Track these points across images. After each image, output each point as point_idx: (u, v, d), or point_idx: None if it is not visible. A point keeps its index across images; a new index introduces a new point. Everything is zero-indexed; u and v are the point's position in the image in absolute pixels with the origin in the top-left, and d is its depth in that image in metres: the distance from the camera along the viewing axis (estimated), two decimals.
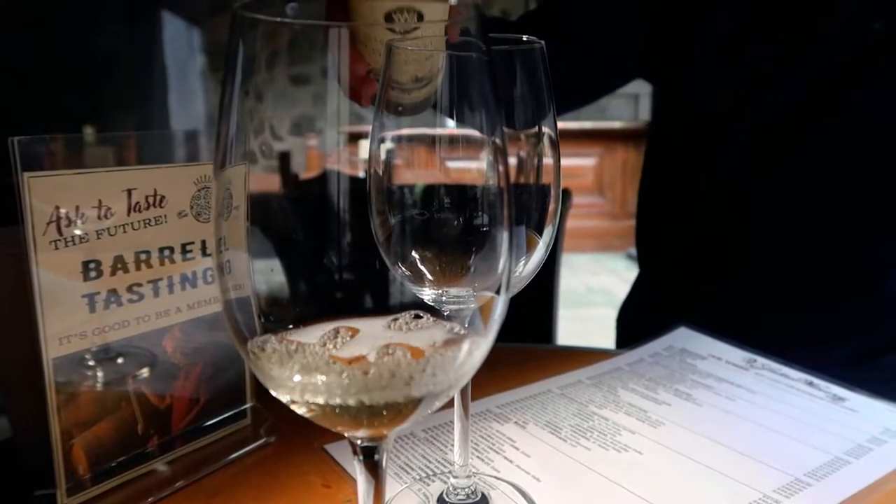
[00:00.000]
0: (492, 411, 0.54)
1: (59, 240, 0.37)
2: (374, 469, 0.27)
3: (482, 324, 0.24)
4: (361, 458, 0.26)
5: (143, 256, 0.41)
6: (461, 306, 0.28)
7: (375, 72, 0.53)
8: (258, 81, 0.23)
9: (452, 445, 0.48)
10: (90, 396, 0.40)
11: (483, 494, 0.41)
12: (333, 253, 0.25)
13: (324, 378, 0.21)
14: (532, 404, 0.55)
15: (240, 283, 0.24)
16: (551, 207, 0.38)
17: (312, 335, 0.24)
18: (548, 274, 1.21)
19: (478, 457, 0.47)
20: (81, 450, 0.40)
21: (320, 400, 0.21)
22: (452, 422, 0.49)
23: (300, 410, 0.23)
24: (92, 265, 0.39)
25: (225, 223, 0.23)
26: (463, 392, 0.40)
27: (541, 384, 0.59)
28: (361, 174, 0.36)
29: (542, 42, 0.37)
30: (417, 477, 0.44)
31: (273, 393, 0.23)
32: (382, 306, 0.26)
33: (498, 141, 0.25)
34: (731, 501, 0.41)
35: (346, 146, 0.30)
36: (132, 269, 0.41)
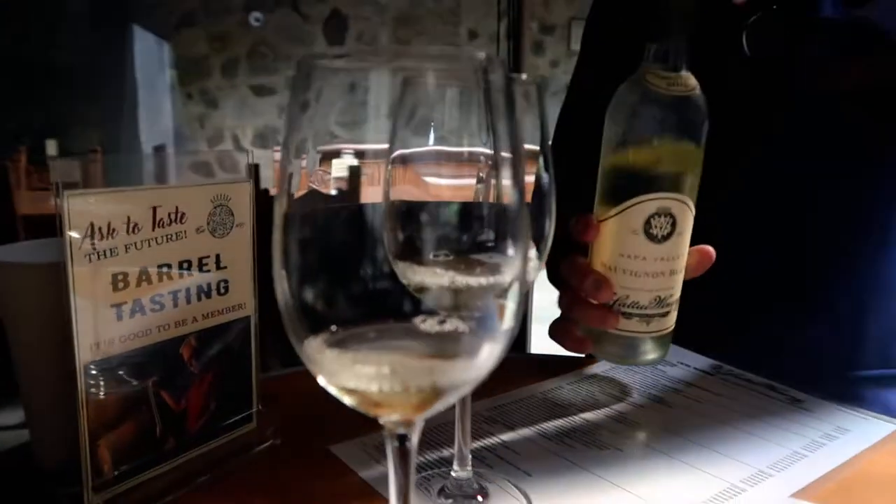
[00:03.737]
0: (481, 414, 0.57)
1: (93, 253, 0.40)
2: (406, 455, 0.30)
3: (498, 323, 0.28)
4: (396, 444, 0.29)
5: (164, 269, 0.44)
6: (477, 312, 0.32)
7: (621, 302, 0.58)
8: None
9: (448, 445, 0.51)
10: (115, 400, 0.43)
11: (481, 486, 0.45)
12: (368, 264, 0.29)
13: (380, 366, 0.25)
14: (518, 408, 0.59)
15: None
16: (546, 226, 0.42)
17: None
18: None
19: (472, 455, 0.50)
20: (106, 450, 0.43)
21: (368, 386, 0.25)
22: (445, 424, 0.53)
23: (344, 397, 0.26)
24: (120, 277, 0.42)
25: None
26: None
27: (524, 390, 0.63)
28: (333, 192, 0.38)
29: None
30: (418, 474, 0.48)
31: (323, 383, 0.27)
32: (415, 310, 0.29)
33: (511, 155, 0.29)
34: (702, 490, 0.46)
35: (321, 165, 0.32)
36: (154, 281, 0.44)
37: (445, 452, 0.51)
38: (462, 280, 0.32)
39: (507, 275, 0.29)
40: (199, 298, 0.47)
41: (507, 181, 0.29)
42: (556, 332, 0.63)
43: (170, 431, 0.47)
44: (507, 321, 0.28)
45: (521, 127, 0.45)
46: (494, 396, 0.61)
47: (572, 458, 0.50)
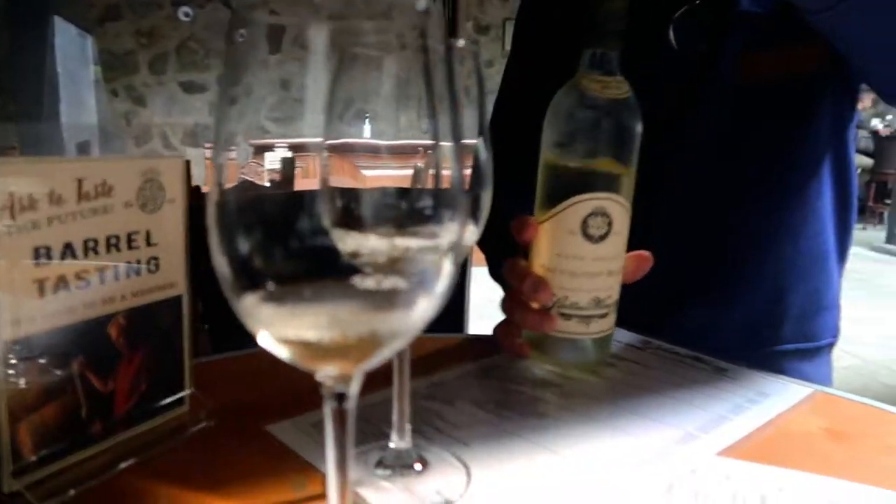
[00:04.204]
0: (419, 392, 0.58)
1: (13, 225, 0.38)
2: (344, 417, 0.30)
3: (435, 280, 0.29)
4: (335, 404, 0.29)
5: (90, 244, 0.43)
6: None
7: (560, 303, 0.57)
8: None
9: (386, 421, 0.51)
10: (37, 380, 0.41)
11: (420, 457, 0.45)
12: (307, 223, 0.28)
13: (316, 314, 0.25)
14: (456, 384, 0.60)
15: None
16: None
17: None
18: (458, 286, 1.26)
19: (411, 430, 0.51)
20: (27, 433, 0.41)
21: (308, 336, 0.25)
22: (383, 402, 0.53)
23: (283, 350, 0.26)
24: (42, 251, 0.40)
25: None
26: (401, 357, 0.44)
27: (462, 367, 0.64)
28: (267, 182, 0.37)
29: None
30: (356, 448, 0.48)
31: (261, 337, 0.26)
32: (353, 270, 0.29)
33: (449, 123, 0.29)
34: (634, 452, 0.47)
35: (253, 157, 0.32)
36: (80, 256, 0.42)
37: (384, 428, 0.51)
38: (401, 244, 0.32)
39: (445, 239, 0.29)
40: (129, 276, 0.46)
41: (445, 148, 0.30)
42: (499, 334, 0.64)
43: (96, 414, 0.45)
44: (444, 280, 0.28)
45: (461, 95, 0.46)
46: (433, 375, 0.62)
47: (509, 428, 0.51)
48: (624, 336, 0.72)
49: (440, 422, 0.52)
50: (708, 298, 0.81)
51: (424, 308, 0.27)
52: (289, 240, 0.29)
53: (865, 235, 5.85)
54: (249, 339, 0.31)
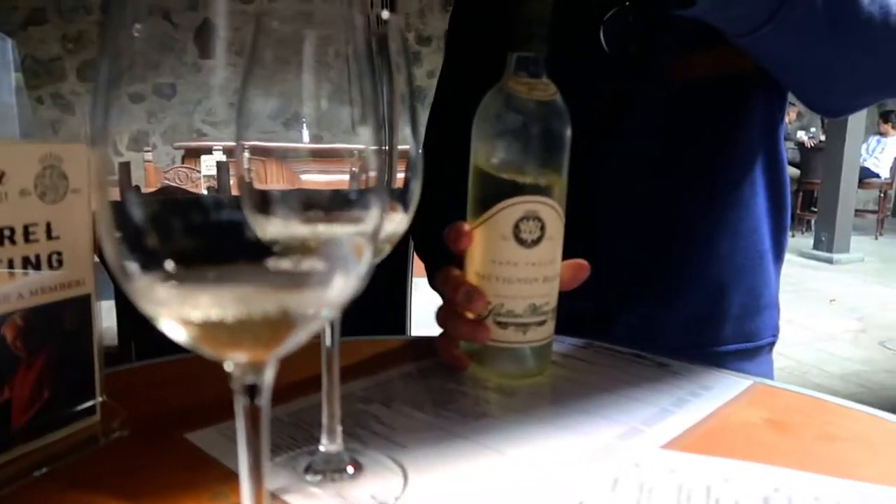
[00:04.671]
0: (355, 394, 0.55)
1: None
2: (257, 415, 0.27)
3: (353, 261, 0.26)
4: (247, 400, 0.26)
5: None
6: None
7: (496, 311, 0.55)
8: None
9: (317, 425, 0.48)
10: None
11: (353, 460, 0.42)
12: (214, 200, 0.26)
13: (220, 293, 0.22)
14: (394, 386, 0.57)
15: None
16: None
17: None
18: (400, 290, 1.24)
19: (345, 433, 0.48)
20: None
21: (212, 314, 0.22)
22: (314, 406, 0.50)
23: (185, 334, 0.23)
24: None
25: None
26: (330, 354, 0.41)
27: (401, 368, 0.61)
28: (203, 194, 0.35)
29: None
30: (283, 454, 0.45)
31: (159, 323, 0.23)
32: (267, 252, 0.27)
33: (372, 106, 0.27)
34: (578, 448, 0.46)
35: (183, 162, 0.30)
36: None
37: (315, 433, 0.48)
38: (322, 230, 0.30)
39: (368, 225, 0.27)
40: (27, 272, 0.42)
41: (367, 131, 0.28)
42: (438, 346, 0.62)
43: None
44: (363, 263, 0.26)
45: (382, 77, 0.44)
46: (369, 377, 0.59)
47: (450, 429, 0.49)
48: (565, 337, 0.70)
49: (376, 424, 0.49)
50: (649, 299, 0.81)
51: (340, 288, 0.25)
52: (192, 218, 0.26)
53: (794, 242, 6.09)
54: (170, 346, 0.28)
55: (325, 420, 0.42)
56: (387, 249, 0.40)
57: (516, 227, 0.55)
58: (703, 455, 0.45)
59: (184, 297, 0.23)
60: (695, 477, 0.42)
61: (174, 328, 0.24)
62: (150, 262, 0.24)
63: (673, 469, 0.43)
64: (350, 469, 0.42)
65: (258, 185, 0.32)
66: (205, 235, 0.26)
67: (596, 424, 0.49)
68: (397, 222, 0.41)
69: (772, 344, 0.88)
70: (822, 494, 0.40)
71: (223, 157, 0.37)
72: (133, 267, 0.24)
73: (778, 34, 0.61)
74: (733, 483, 0.41)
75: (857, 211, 6.13)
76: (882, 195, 7.33)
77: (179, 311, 0.23)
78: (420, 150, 0.45)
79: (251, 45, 0.28)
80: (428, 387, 0.57)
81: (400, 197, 0.42)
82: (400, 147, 0.44)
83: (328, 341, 0.41)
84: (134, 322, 1.03)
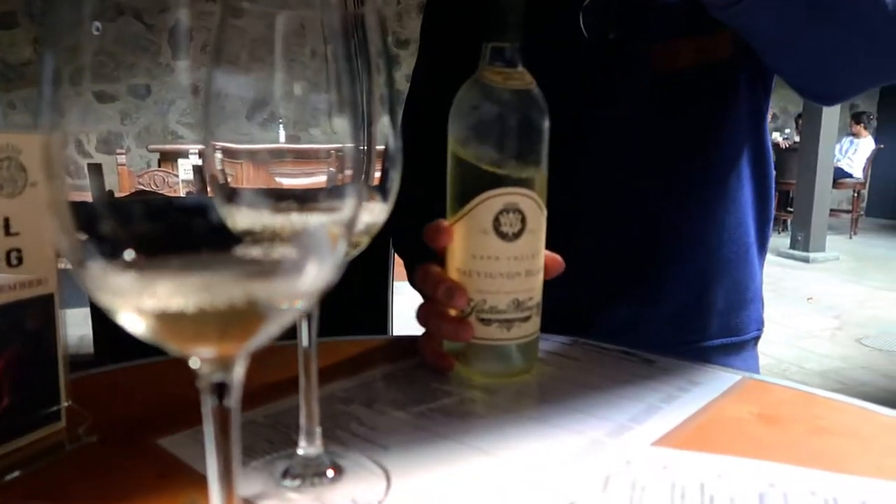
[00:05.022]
0: (336, 395, 0.53)
1: None
2: (226, 416, 0.25)
3: (328, 249, 0.25)
4: (215, 401, 0.25)
5: None
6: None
7: (478, 307, 0.53)
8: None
9: (295, 428, 0.46)
10: None
11: (334, 465, 0.40)
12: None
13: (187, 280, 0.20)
14: (376, 386, 0.55)
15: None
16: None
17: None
18: (382, 289, 1.22)
19: (325, 435, 0.46)
20: None
21: (173, 304, 0.20)
22: (291, 408, 0.48)
23: (144, 326, 0.21)
24: None
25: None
26: (307, 353, 0.39)
27: (383, 368, 0.59)
28: (183, 194, 0.34)
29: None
30: (259, 458, 0.42)
31: (118, 316, 0.22)
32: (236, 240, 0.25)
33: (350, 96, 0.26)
34: (566, 447, 0.44)
35: (159, 165, 0.29)
36: None
37: (294, 436, 0.46)
38: (295, 218, 0.29)
39: (343, 214, 0.25)
40: None
41: (343, 122, 0.27)
42: (421, 346, 0.60)
43: None
44: (338, 251, 0.25)
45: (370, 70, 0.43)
46: (351, 376, 0.57)
47: (434, 429, 0.47)
48: (551, 335, 0.69)
49: (357, 426, 0.48)
50: (634, 294, 0.80)
51: (313, 277, 0.23)
52: (152, 203, 0.24)
53: (771, 242, 6.15)
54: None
55: (303, 422, 0.40)
56: (365, 241, 0.39)
57: (496, 220, 0.53)
58: (694, 451, 0.43)
59: (142, 286, 0.21)
60: (688, 474, 0.40)
61: (133, 320, 0.22)
62: (107, 250, 0.22)
63: (665, 466, 0.41)
64: (330, 473, 0.40)
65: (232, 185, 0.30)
66: (166, 222, 0.24)
67: (584, 422, 0.48)
68: (377, 213, 0.39)
69: (757, 338, 0.87)
70: (818, 489, 0.39)
71: (200, 161, 0.36)
72: (88, 256, 0.22)
73: (756, 6, 0.60)
74: (727, 479, 0.40)
75: (831, 210, 6.23)
76: (856, 195, 7.45)
77: (138, 302, 0.21)
78: (399, 141, 0.43)
79: (217, 28, 0.27)
80: (411, 387, 0.55)
81: (379, 187, 0.40)
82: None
83: (305, 340, 0.39)
84: (110, 331, 1.00)
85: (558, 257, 0.59)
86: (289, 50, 0.28)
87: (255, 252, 0.24)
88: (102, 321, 1.10)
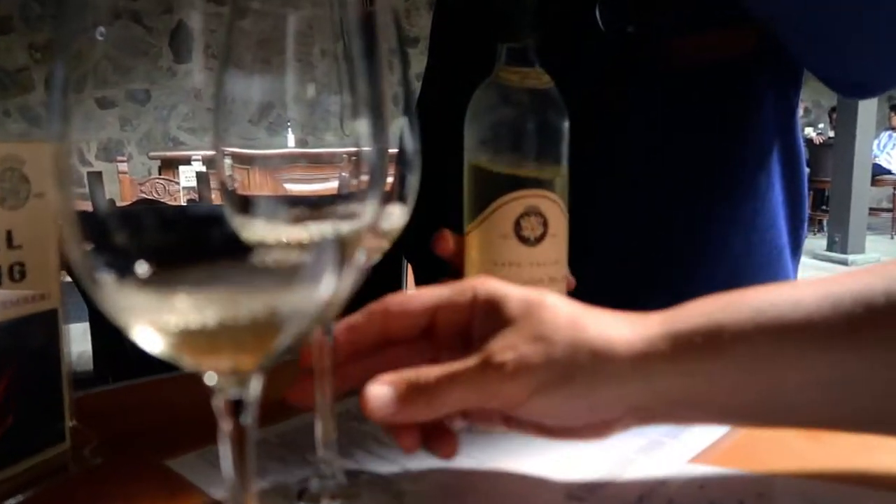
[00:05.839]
0: (350, 412, 0.53)
1: None
2: (242, 435, 0.26)
3: (347, 258, 0.25)
4: (229, 418, 0.25)
5: None
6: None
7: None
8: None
9: (310, 447, 0.46)
10: None
11: (351, 485, 0.41)
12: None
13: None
14: None
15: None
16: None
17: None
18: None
19: (341, 454, 0.46)
20: None
21: (192, 319, 0.20)
22: (305, 426, 0.48)
23: (163, 343, 0.22)
24: None
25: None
26: (322, 368, 0.39)
27: None
28: (184, 202, 0.35)
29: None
30: (272, 477, 0.43)
31: (134, 333, 0.22)
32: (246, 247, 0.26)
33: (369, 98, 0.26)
34: (597, 464, 0.44)
35: (160, 173, 0.29)
36: None
37: (308, 456, 0.46)
38: (316, 227, 0.29)
39: (364, 219, 0.26)
40: None
41: (360, 124, 0.27)
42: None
43: None
44: (359, 256, 0.25)
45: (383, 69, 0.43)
46: None
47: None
48: None
49: (373, 444, 0.48)
50: (657, 302, 0.79)
51: (333, 285, 0.23)
52: (166, 215, 0.25)
53: (806, 244, 6.11)
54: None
55: (319, 440, 0.40)
56: (384, 247, 0.39)
57: (517, 224, 0.53)
58: (733, 469, 0.43)
59: (160, 302, 0.21)
60: (727, 493, 0.40)
61: (150, 337, 0.22)
62: (121, 265, 0.23)
63: (702, 485, 0.41)
64: (347, 494, 0.40)
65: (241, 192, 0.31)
66: (180, 233, 0.24)
67: (615, 437, 0.47)
68: (396, 217, 0.40)
69: None
70: None
71: (203, 168, 0.36)
72: (102, 270, 0.22)
73: None
74: (768, 498, 0.40)
75: (870, 209, 6.17)
76: None
77: (156, 318, 0.21)
78: (417, 143, 0.44)
79: (227, 30, 0.27)
80: None
81: (400, 191, 0.40)
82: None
83: (322, 354, 0.39)
84: (110, 347, 1.01)
85: (568, 274, 0.59)
86: (299, 50, 0.29)
87: (274, 261, 0.24)
88: (102, 337, 1.11)
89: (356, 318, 0.40)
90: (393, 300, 0.40)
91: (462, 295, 0.40)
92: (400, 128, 0.45)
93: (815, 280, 0.39)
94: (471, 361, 0.37)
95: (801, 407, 0.38)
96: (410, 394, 0.36)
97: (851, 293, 0.36)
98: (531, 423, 0.39)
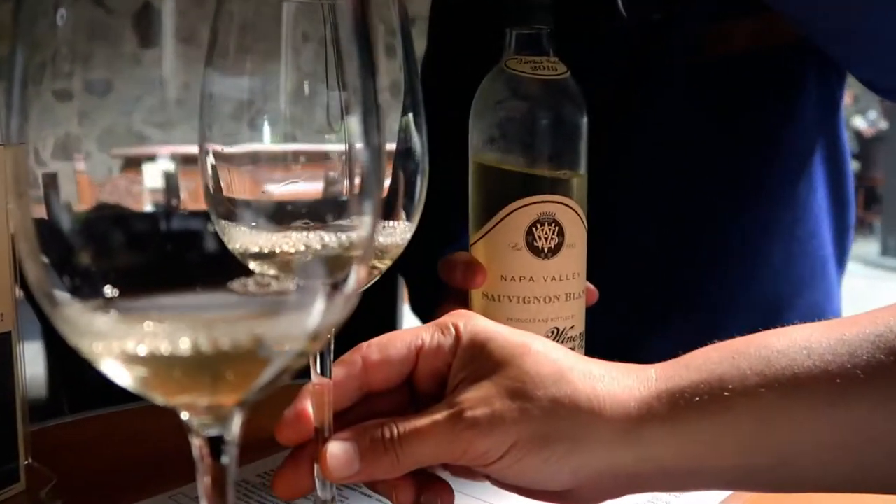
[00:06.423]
0: None
1: None
2: (222, 475, 0.26)
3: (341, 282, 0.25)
4: (209, 459, 0.25)
5: None
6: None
7: None
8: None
9: None
10: None
11: None
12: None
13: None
14: None
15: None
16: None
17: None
18: (389, 318, 1.24)
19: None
20: None
21: (164, 347, 0.21)
22: None
23: (131, 375, 0.22)
24: None
25: None
26: (321, 392, 0.39)
27: None
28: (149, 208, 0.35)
29: None
30: None
31: (99, 363, 0.22)
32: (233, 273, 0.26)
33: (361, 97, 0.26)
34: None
35: (122, 172, 0.30)
36: None
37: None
38: (303, 242, 0.30)
39: (361, 232, 0.26)
40: None
41: (355, 127, 0.27)
42: None
43: None
44: (355, 279, 0.25)
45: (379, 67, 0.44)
46: None
47: (458, 489, 0.47)
48: None
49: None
50: (687, 321, 0.80)
51: (327, 311, 0.23)
52: (136, 230, 0.25)
53: (857, 249, 6.10)
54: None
55: (317, 470, 0.40)
56: (386, 265, 0.39)
57: (529, 233, 0.53)
58: None
59: (128, 329, 0.22)
60: None
61: (118, 369, 0.22)
62: (85, 286, 0.23)
63: None
64: None
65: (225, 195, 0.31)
66: (152, 248, 0.25)
67: None
68: (400, 232, 0.40)
69: None
70: None
71: (171, 166, 0.37)
72: (63, 293, 0.23)
73: None
74: None
75: None
76: None
77: (123, 347, 0.22)
78: (425, 142, 0.44)
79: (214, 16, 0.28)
80: None
81: (406, 201, 0.41)
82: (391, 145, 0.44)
83: (317, 377, 0.39)
84: (67, 367, 1.01)
85: (590, 285, 0.59)
86: (285, 38, 0.29)
87: (256, 284, 0.25)
88: (59, 358, 1.11)
89: (335, 373, 0.40)
90: (371, 350, 0.39)
91: (444, 337, 0.40)
92: (405, 124, 0.44)
93: (828, 322, 0.38)
94: (439, 415, 0.36)
95: (816, 470, 0.37)
96: (374, 450, 0.36)
97: (871, 337, 0.36)
98: (508, 484, 0.39)
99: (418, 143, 0.43)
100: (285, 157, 0.34)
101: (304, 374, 0.38)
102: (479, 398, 0.37)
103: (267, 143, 0.32)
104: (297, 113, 0.32)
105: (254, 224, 0.29)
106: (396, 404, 0.41)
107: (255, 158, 0.33)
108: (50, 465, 0.47)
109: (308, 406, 0.39)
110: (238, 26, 0.28)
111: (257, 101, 0.31)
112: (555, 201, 0.54)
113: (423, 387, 0.41)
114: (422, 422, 0.36)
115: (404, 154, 0.43)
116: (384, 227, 0.42)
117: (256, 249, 0.29)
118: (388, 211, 0.42)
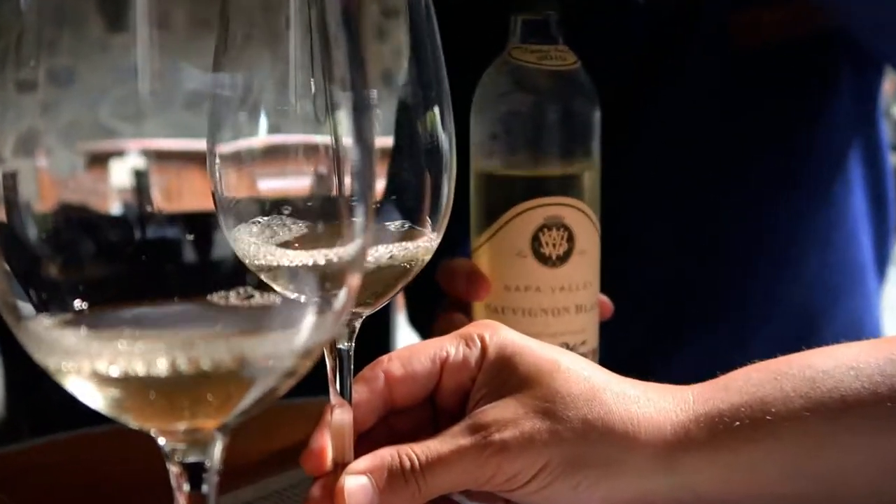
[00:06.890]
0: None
1: None
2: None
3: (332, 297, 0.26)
4: (186, 487, 0.25)
5: None
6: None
7: None
8: None
9: None
10: None
11: None
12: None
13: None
14: None
15: None
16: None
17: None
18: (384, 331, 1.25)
19: None
20: None
21: (139, 367, 0.21)
22: (282, 490, 0.49)
23: (103, 397, 0.22)
24: None
25: None
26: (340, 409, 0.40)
27: None
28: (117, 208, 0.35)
29: None
30: None
31: (66, 383, 0.23)
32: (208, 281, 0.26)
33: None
34: None
35: (88, 169, 0.30)
36: None
37: None
38: (290, 252, 0.30)
39: (350, 245, 0.26)
40: None
41: (345, 125, 0.27)
42: None
43: None
44: (341, 297, 0.25)
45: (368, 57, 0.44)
46: None
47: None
48: None
49: None
50: (713, 334, 0.80)
51: (314, 326, 0.24)
52: (108, 239, 0.26)
53: None
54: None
55: None
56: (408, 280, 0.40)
57: (535, 238, 0.53)
58: None
59: (99, 347, 0.22)
60: None
61: (88, 391, 0.23)
62: (52, 300, 0.23)
63: None
64: None
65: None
66: (126, 257, 0.25)
67: None
68: (426, 243, 0.40)
69: None
70: None
71: (142, 162, 0.37)
72: (28, 305, 0.23)
73: None
74: None
75: None
76: None
77: (94, 367, 0.22)
78: (451, 141, 0.43)
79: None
80: None
81: (431, 208, 0.40)
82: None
83: (337, 399, 0.39)
84: (27, 385, 1.02)
85: (604, 297, 0.59)
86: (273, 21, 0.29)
87: (240, 296, 0.25)
88: (18, 373, 1.11)
89: (356, 392, 0.40)
90: (393, 364, 0.40)
91: (470, 350, 0.40)
92: (431, 120, 0.44)
93: (875, 341, 0.38)
94: (464, 439, 0.37)
95: (866, 497, 0.38)
96: (393, 483, 0.36)
97: None
98: None
99: (445, 141, 0.43)
100: (268, 151, 0.34)
101: (307, 391, 0.38)
102: (506, 419, 0.37)
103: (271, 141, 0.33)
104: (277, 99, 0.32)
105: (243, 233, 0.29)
106: (418, 421, 0.41)
107: (268, 161, 0.33)
108: (9, 493, 0.48)
109: (326, 440, 0.40)
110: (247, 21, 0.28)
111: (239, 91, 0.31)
112: (563, 203, 0.54)
113: (444, 402, 0.41)
114: (444, 447, 0.37)
115: (429, 153, 0.43)
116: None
117: (240, 263, 0.29)
118: (413, 217, 0.41)
